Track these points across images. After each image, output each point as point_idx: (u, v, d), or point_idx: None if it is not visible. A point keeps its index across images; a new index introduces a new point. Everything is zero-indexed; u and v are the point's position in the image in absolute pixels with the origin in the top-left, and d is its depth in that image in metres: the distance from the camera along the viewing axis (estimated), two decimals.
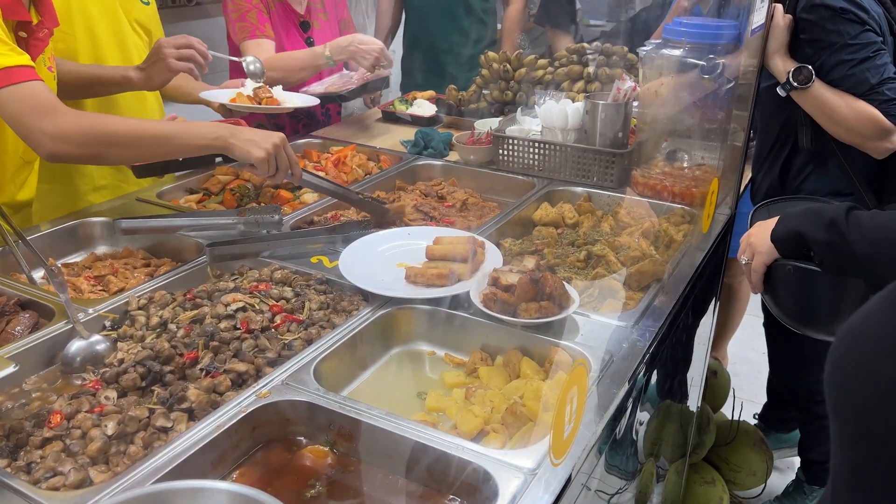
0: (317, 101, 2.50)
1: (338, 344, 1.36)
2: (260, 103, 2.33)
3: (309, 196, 2.13)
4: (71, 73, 1.92)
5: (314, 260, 1.69)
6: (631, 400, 1.33)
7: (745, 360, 3.53)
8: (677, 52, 2.05)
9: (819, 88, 1.92)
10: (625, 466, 1.62)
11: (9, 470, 1.06)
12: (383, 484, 1.12)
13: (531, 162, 2.25)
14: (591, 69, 2.61)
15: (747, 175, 2.37)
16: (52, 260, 1.74)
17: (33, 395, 1.26)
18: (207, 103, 2.33)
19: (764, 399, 2.91)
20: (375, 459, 1.14)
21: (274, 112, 2.41)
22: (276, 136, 1.68)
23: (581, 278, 1.69)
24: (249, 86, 2.36)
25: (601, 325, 1.43)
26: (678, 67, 2.08)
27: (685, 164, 2.19)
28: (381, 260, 1.67)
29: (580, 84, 2.63)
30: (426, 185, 2.25)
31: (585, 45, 2.65)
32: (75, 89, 1.95)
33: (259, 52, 2.55)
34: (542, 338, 1.39)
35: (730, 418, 2.62)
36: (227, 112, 2.33)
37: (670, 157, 2.23)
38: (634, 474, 1.75)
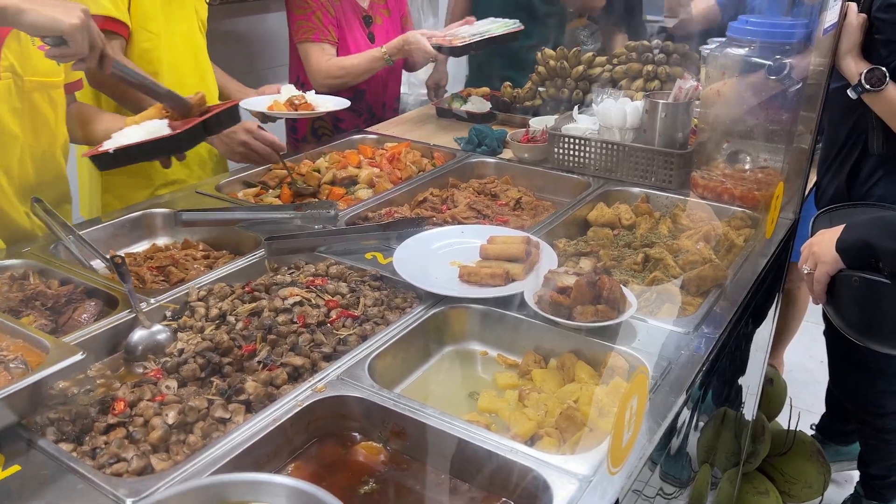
0: (347, 104, 2.52)
1: (392, 341, 1.36)
2: (296, 109, 2.36)
3: (363, 192, 2.14)
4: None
5: (368, 256, 1.70)
6: (688, 409, 1.30)
7: (802, 368, 3.43)
8: (742, 52, 1.99)
9: (893, 91, 1.85)
10: (678, 474, 1.59)
11: (74, 454, 1.09)
12: (436, 483, 1.11)
13: (587, 161, 2.22)
14: (650, 67, 2.56)
15: (812, 179, 2.30)
16: (113, 251, 1.79)
17: (98, 382, 1.30)
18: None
19: (821, 409, 2.82)
20: (429, 458, 1.14)
21: (309, 116, 2.43)
22: (81, 6, 1.37)
23: (638, 282, 1.66)
24: (285, 93, 2.40)
25: (659, 330, 1.40)
26: (743, 67, 2.02)
27: (747, 167, 2.13)
28: (434, 258, 1.67)
29: (639, 82, 2.58)
30: (479, 182, 2.24)
31: (646, 42, 2.60)
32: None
33: (322, 55, 2.64)
34: (598, 342, 1.37)
35: (785, 428, 2.55)
36: (264, 118, 2.36)
37: (732, 159, 2.17)
38: (688, 482, 1.71)
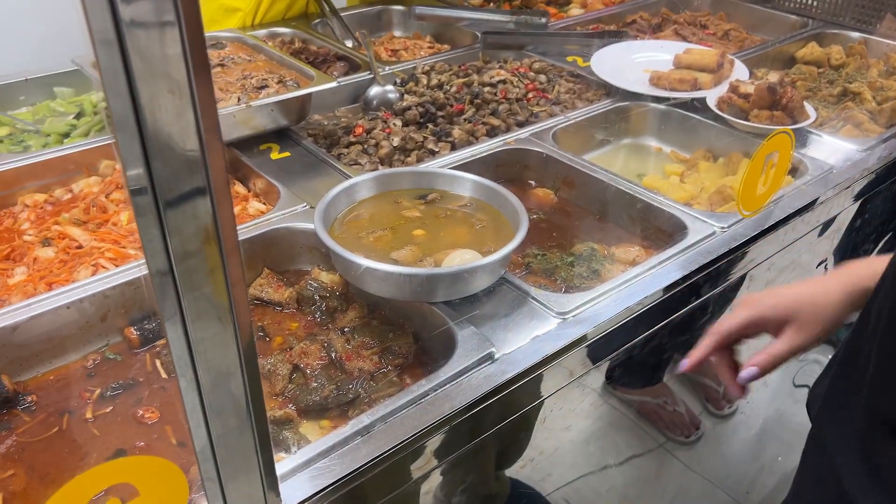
0: None
1: (576, 121, 1.57)
2: None
3: (575, 11, 2.28)
4: None
5: (570, 59, 1.88)
6: (844, 210, 1.39)
7: None
8: None
9: None
10: None
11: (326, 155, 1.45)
12: (592, 223, 1.35)
13: (811, 1, 2.16)
14: None
15: None
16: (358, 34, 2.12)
17: (342, 119, 1.65)
18: None
19: None
20: (589, 205, 1.37)
21: None
22: None
23: (829, 112, 1.69)
24: None
25: (831, 144, 1.47)
26: None
27: None
28: (631, 65, 1.81)
29: None
30: (692, 14, 2.27)
31: None
32: None
33: None
34: None
35: None
36: None
37: None
38: None
